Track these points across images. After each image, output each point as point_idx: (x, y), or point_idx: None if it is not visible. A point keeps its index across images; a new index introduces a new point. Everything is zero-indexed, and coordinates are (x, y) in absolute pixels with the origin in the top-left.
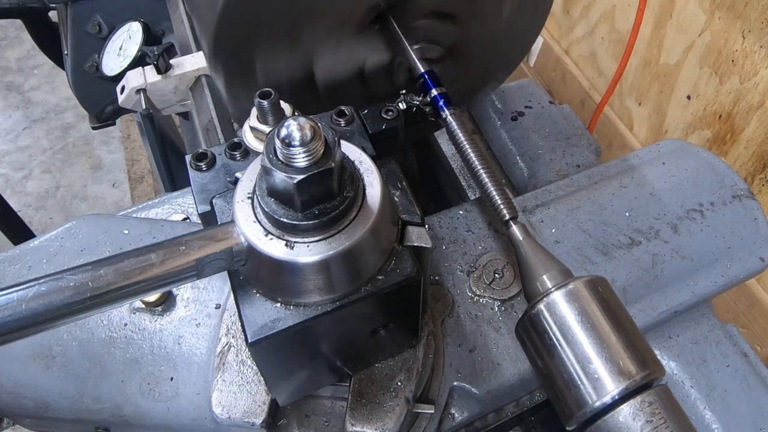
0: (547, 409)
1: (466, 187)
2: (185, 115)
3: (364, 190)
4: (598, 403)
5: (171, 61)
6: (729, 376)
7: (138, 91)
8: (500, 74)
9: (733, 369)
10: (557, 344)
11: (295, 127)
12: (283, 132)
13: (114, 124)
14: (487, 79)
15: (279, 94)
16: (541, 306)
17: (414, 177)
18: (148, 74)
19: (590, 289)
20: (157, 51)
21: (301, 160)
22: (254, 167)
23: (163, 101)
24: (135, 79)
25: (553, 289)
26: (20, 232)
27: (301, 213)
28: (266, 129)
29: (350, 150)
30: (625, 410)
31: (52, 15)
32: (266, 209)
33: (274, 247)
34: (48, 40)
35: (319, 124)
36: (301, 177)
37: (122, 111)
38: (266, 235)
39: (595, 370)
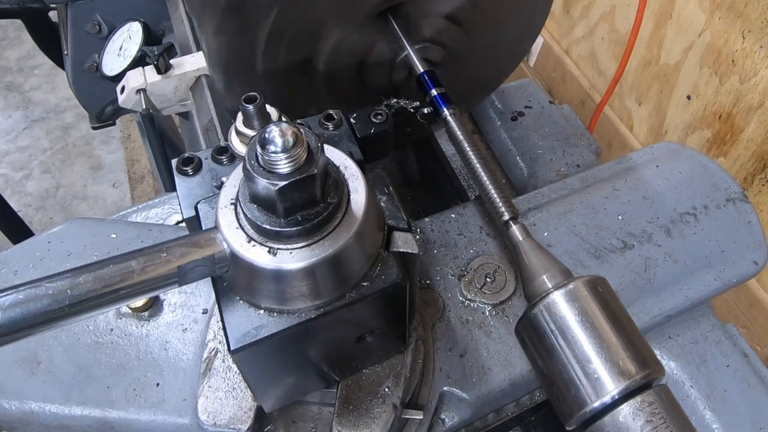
0: (547, 409)
1: (466, 187)
2: (185, 115)
3: (349, 195)
4: (597, 403)
5: (171, 61)
6: (729, 376)
7: (138, 91)
8: (494, 82)
9: (733, 369)
10: (557, 344)
11: (276, 133)
12: (265, 138)
13: (114, 124)
14: (481, 87)
15: (276, 82)
16: (541, 306)
17: (414, 177)
18: (148, 74)
19: (590, 289)
20: (157, 51)
21: (283, 166)
22: (238, 172)
23: (163, 101)
24: (135, 79)
25: (553, 290)
26: (20, 232)
27: (284, 219)
28: (252, 133)
29: (335, 155)
30: (625, 410)
31: (52, 15)
32: (249, 215)
33: (257, 254)
34: (48, 40)
35: (302, 130)
36: (283, 183)
37: (122, 111)
38: (249, 242)
39: (595, 370)
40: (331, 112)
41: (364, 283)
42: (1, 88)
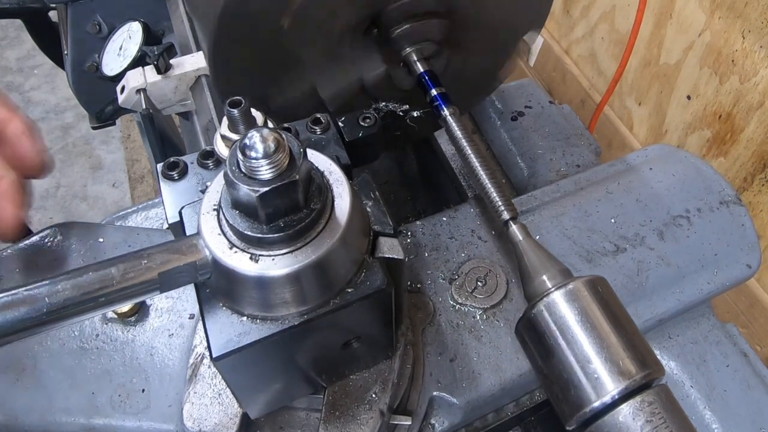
0: (547, 409)
1: (466, 187)
2: (185, 115)
3: (333, 201)
4: (597, 403)
5: (171, 61)
6: (729, 376)
7: (138, 91)
8: (510, 48)
9: (733, 369)
10: (557, 344)
11: (257, 139)
12: (245, 144)
13: (114, 124)
14: (498, 57)
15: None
16: (541, 306)
17: (414, 177)
18: (148, 74)
19: (590, 289)
20: (157, 51)
21: (264, 172)
22: (221, 178)
23: (163, 101)
24: (135, 79)
25: (552, 289)
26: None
27: (266, 226)
28: (236, 138)
29: (320, 160)
30: (625, 410)
31: (52, 15)
32: (231, 221)
33: (239, 261)
34: (48, 40)
35: (284, 135)
36: (264, 190)
37: (122, 111)
38: (231, 248)
39: (595, 370)
40: (319, 115)
41: (349, 290)
42: (1, 88)
